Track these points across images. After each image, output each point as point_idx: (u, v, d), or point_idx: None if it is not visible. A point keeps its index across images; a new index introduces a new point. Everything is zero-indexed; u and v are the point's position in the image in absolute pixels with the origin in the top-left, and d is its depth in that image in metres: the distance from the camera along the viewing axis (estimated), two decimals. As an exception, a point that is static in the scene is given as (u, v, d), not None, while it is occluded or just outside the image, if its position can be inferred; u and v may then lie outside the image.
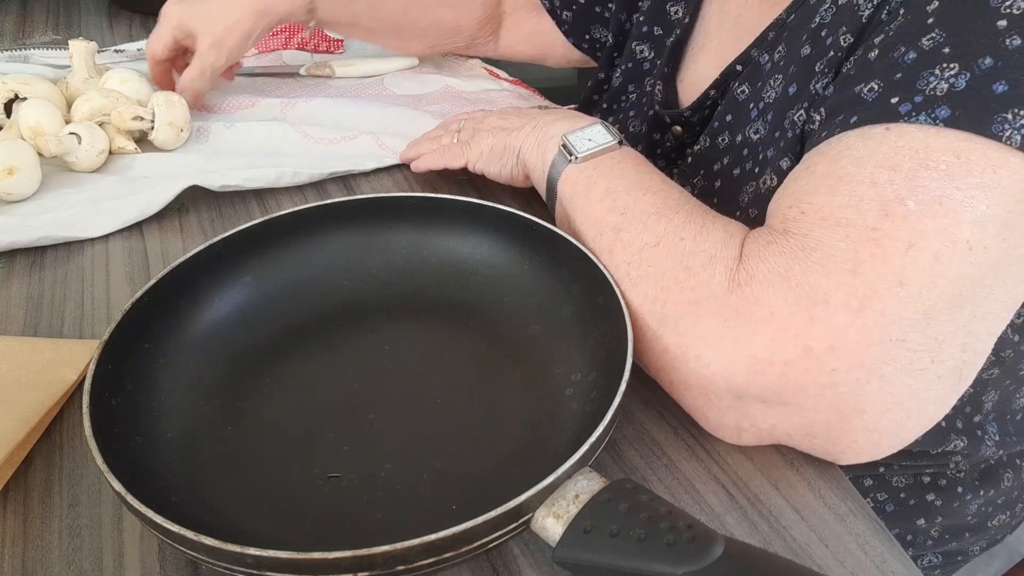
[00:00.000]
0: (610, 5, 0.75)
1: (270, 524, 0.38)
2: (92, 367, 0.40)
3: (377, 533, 0.32)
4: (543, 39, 0.84)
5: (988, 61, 0.38)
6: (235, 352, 0.47)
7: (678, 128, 0.64)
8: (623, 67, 0.72)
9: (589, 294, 0.46)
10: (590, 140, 0.52)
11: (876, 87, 0.41)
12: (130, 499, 0.34)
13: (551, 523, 0.34)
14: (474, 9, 0.83)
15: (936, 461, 0.61)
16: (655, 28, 0.69)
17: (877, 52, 0.42)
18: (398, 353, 0.49)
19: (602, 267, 0.46)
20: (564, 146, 0.52)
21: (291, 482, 0.41)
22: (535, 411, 0.44)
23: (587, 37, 0.81)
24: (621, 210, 0.47)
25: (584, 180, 0.51)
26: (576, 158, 0.51)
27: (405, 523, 0.38)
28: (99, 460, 0.35)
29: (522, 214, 0.51)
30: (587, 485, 0.35)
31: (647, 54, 0.70)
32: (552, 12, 0.81)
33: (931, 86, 0.39)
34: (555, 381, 0.45)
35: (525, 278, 0.51)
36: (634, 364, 0.41)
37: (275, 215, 0.52)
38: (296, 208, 0.52)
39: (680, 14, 0.67)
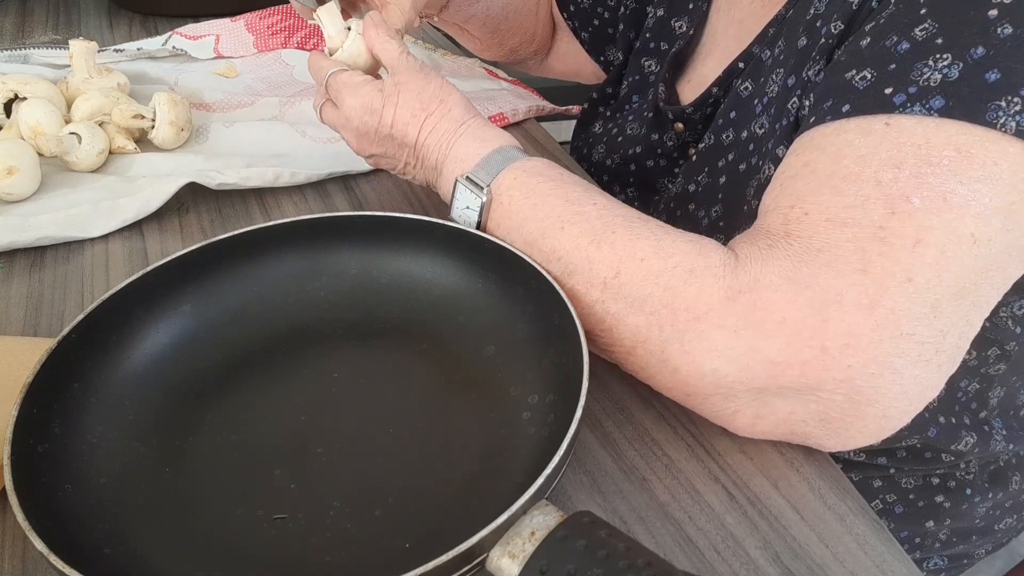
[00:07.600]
0: (620, 26, 0.75)
1: (211, 573, 0.36)
2: (14, 413, 0.38)
3: None
4: (575, 58, 0.85)
5: (980, 50, 0.38)
6: (173, 387, 0.45)
7: (680, 125, 0.64)
8: (630, 79, 0.73)
9: (544, 313, 0.45)
10: (467, 208, 0.50)
11: (869, 76, 0.41)
12: (53, 559, 0.31)
13: (506, 563, 0.33)
14: (547, 23, 0.84)
15: (948, 463, 0.61)
16: (661, 43, 0.70)
17: (868, 40, 0.43)
18: (347, 381, 0.46)
19: (556, 285, 0.44)
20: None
21: (234, 526, 0.38)
22: (492, 438, 0.42)
23: (602, 59, 0.82)
24: (556, 256, 0.46)
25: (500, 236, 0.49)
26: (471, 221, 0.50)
27: (356, 565, 0.36)
28: (20, 517, 0.33)
29: (474, 231, 0.49)
30: (543, 521, 0.33)
31: (654, 68, 0.71)
32: (575, 32, 0.82)
33: (924, 76, 0.39)
34: (512, 404, 0.43)
35: (479, 297, 0.49)
36: (630, 375, 0.41)
37: (214, 239, 0.49)
38: (237, 231, 0.50)
39: (684, 28, 0.67)
